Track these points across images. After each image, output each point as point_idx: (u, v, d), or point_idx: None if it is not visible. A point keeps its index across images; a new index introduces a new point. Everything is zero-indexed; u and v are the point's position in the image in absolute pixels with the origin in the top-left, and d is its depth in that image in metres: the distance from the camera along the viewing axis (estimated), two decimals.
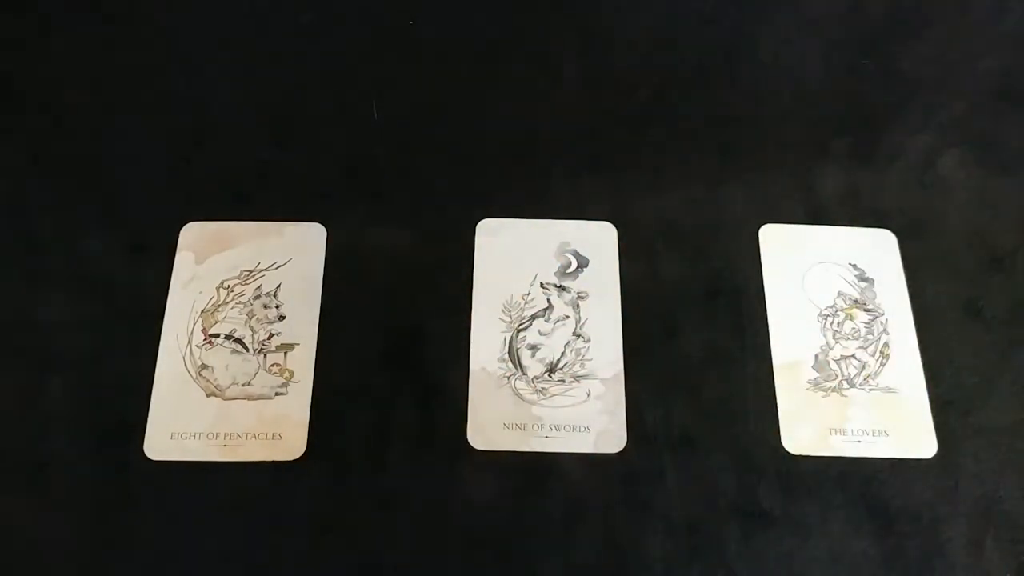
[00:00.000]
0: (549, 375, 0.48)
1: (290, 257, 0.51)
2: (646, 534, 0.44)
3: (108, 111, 0.52)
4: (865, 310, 0.50)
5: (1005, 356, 0.49)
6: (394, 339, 0.49)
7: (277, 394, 0.47)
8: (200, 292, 0.50)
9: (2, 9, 0.50)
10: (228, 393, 0.47)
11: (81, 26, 0.51)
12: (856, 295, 0.50)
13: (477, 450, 0.46)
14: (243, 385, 0.47)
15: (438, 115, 0.53)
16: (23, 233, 0.51)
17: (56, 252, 0.51)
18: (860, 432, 0.46)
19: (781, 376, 0.48)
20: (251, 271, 0.50)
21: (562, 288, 0.50)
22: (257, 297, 0.49)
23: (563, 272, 0.50)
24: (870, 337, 0.49)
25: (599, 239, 0.51)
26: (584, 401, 0.47)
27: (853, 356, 0.48)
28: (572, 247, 0.51)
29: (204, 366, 0.48)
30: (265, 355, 0.48)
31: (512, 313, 0.49)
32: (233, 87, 0.52)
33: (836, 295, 0.50)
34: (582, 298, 0.50)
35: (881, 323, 0.49)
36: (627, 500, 0.45)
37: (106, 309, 0.49)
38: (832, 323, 0.49)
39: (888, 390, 0.48)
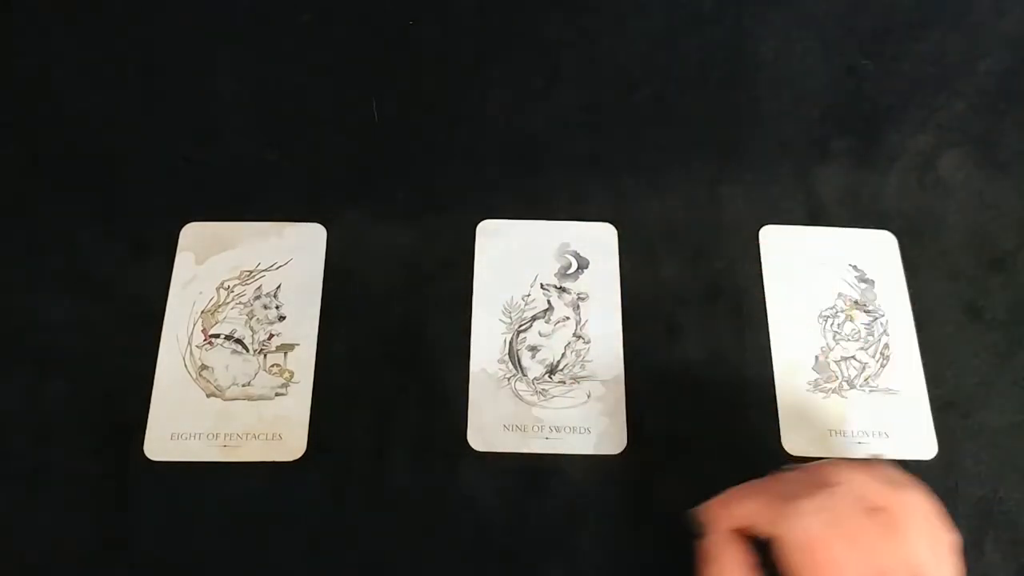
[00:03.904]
0: (549, 376, 0.48)
1: (290, 257, 0.51)
2: (646, 535, 0.44)
3: (108, 111, 0.52)
4: (865, 311, 0.50)
5: (1005, 357, 0.49)
6: (394, 340, 0.49)
7: (277, 395, 0.47)
8: (200, 292, 0.50)
9: (2, 10, 0.50)
10: (228, 394, 0.47)
11: (81, 26, 0.51)
12: (856, 296, 0.50)
13: (477, 451, 0.46)
14: (243, 386, 0.47)
15: (438, 115, 0.53)
16: (23, 233, 0.51)
17: (56, 252, 0.51)
18: (860, 433, 0.47)
19: (781, 377, 0.48)
20: (251, 271, 0.50)
21: (562, 289, 0.50)
22: (257, 297, 0.49)
23: (563, 273, 0.50)
24: (870, 338, 0.49)
25: (599, 240, 0.51)
26: (584, 402, 0.47)
27: (853, 357, 0.48)
28: (572, 248, 0.51)
29: (204, 366, 0.48)
30: (265, 355, 0.48)
31: (512, 314, 0.49)
32: (233, 87, 0.52)
33: (836, 296, 0.50)
34: (582, 299, 0.50)
35: (881, 324, 0.49)
36: (627, 501, 0.45)
37: (106, 309, 0.49)
38: (832, 324, 0.49)
39: (888, 391, 0.48)
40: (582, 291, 0.50)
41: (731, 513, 0.37)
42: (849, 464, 0.36)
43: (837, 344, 0.49)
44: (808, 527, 0.33)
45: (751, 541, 0.36)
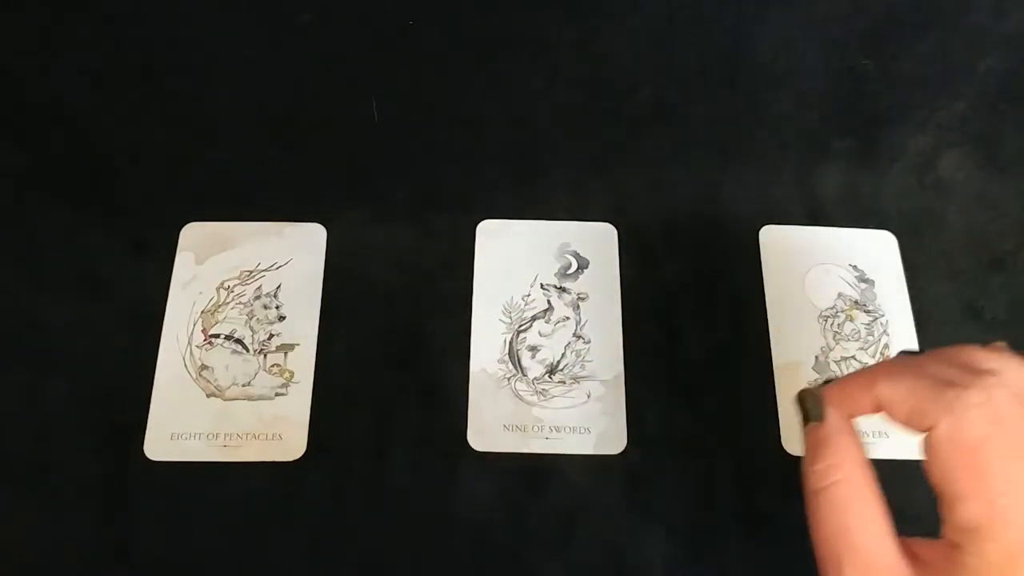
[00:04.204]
0: (549, 376, 0.48)
1: (290, 257, 0.51)
2: (646, 535, 0.44)
3: (108, 111, 0.52)
4: (865, 311, 0.50)
5: None
6: (394, 340, 0.49)
7: (277, 394, 0.47)
8: (200, 292, 0.50)
9: (2, 9, 0.50)
10: (228, 393, 0.47)
11: (81, 26, 0.51)
12: (856, 296, 0.50)
13: (477, 451, 0.46)
14: (243, 386, 0.47)
15: (438, 115, 0.53)
16: (23, 233, 0.51)
17: (56, 252, 0.51)
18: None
19: (781, 377, 0.48)
20: (251, 271, 0.50)
21: (562, 289, 0.50)
22: (257, 297, 0.49)
23: (563, 273, 0.50)
24: (870, 338, 0.49)
25: (599, 240, 0.51)
26: (584, 402, 0.47)
27: (853, 357, 0.48)
28: (572, 248, 0.51)
29: (204, 366, 0.48)
30: (265, 355, 0.48)
31: (512, 314, 0.49)
32: (233, 87, 0.52)
33: (836, 296, 0.50)
34: (582, 299, 0.50)
35: (881, 324, 0.49)
36: (627, 501, 0.45)
37: (106, 309, 0.49)
38: (832, 324, 0.49)
39: None
40: (582, 291, 0.50)
41: (873, 393, 0.31)
42: (998, 351, 0.31)
43: (837, 344, 0.49)
44: (974, 423, 0.28)
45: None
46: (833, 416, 0.33)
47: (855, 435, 0.32)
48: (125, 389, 0.47)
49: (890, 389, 0.31)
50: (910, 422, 0.30)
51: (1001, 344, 0.33)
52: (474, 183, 0.53)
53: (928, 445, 0.29)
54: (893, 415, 0.31)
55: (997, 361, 0.30)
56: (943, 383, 0.30)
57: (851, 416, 0.33)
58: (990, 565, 0.28)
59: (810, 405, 0.33)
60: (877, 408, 0.32)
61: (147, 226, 0.51)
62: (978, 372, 0.30)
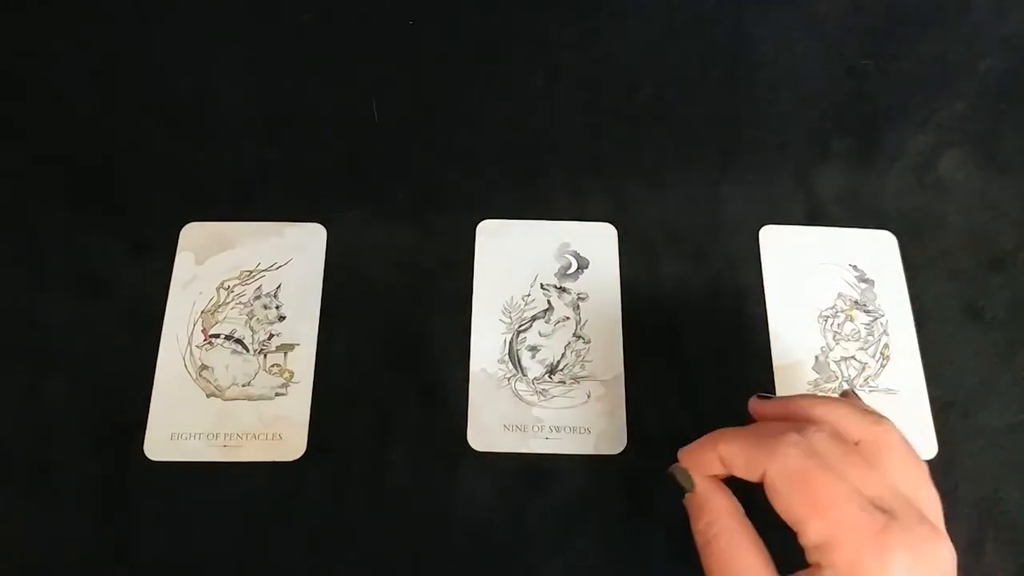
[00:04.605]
0: (549, 376, 0.48)
1: (290, 257, 0.51)
2: (646, 535, 0.44)
3: (108, 111, 0.52)
4: (865, 311, 0.50)
5: (1005, 357, 0.49)
6: (394, 340, 0.49)
7: (277, 395, 0.47)
8: (200, 292, 0.50)
9: (2, 9, 0.50)
10: (228, 394, 0.47)
11: (81, 25, 0.51)
12: (856, 296, 0.50)
13: (477, 451, 0.46)
14: (243, 386, 0.47)
15: (438, 115, 0.53)
16: (23, 233, 0.51)
17: (56, 252, 0.51)
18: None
19: (781, 377, 0.48)
20: (251, 271, 0.50)
21: (562, 289, 0.50)
22: (257, 297, 0.49)
23: (563, 273, 0.50)
24: (870, 338, 0.49)
25: (599, 240, 0.51)
26: (584, 402, 0.47)
27: (853, 357, 0.48)
28: (572, 248, 0.51)
29: (204, 366, 0.48)
30: (265, 355, 0.48)
31: (512, 314, 0.49)
32: (233, 87, 0.52)
33: (836, 296, 0.50)
34: (582, 299, 0.50)
35: (881, 324, 0.49)
36: (627, 501, 0.45)
37: (106, 309, 0.49)
38: (832, 324, 0.49)
39: (888, 391, 0.48)
40: (582, 291, 0.50)
41: (716, 454, 0.36)
42: (823, 400, 0.36)
43: (837, 344, 0.49)
44: (793, 458, 0.33)
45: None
46: (702, 482, 0.37)
47: (725, 493, 0.37)
48: (125, 389, 0.47)
49: (727, 449, 0.35)
50: (747, 473, 0.34)
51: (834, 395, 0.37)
52: (474, 183, 0.53)
53: (766, 488, 0.33)
54: (734, 470, 0.35)
55: (821, 409, 0.35)
56: (769, 436, 0.34)
57: (714, 471, 0.36)
58: (843, 572, 0.31)
59: (681, 480, 0.37)
60: (723, 466, 0.36)
61: (147, 226, 0.51)
62: (801, 422, 0.35)
